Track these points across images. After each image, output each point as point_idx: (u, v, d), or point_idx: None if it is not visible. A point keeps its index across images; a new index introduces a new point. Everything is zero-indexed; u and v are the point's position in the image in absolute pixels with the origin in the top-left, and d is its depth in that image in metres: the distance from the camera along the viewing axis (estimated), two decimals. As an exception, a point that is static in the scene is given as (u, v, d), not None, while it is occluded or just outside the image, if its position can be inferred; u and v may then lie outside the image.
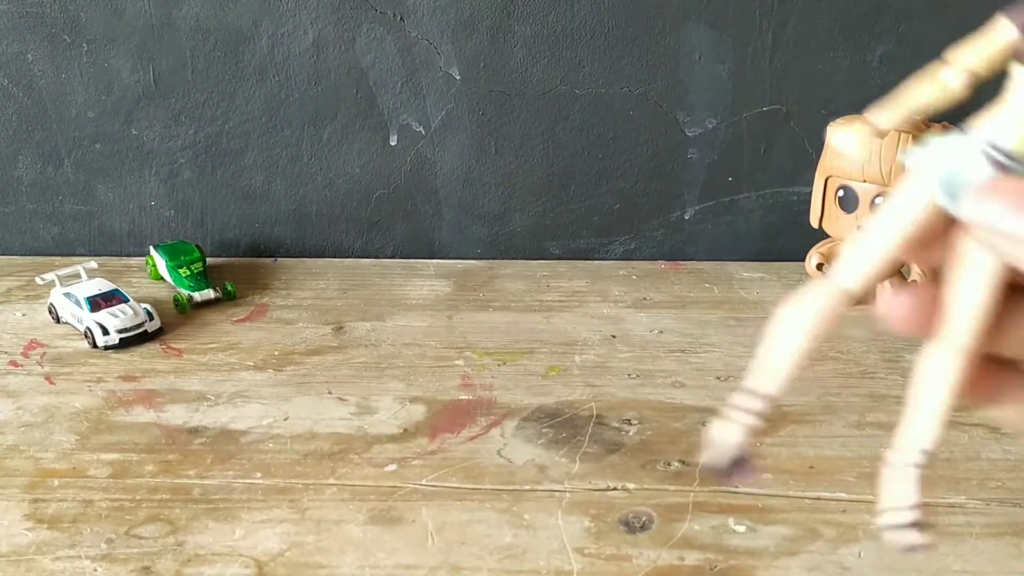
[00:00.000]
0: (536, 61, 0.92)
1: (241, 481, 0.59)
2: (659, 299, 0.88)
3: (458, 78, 0.93)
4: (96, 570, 0.51)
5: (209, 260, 0.91)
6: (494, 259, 0.99)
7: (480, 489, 0.58)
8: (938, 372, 0.23)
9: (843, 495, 0.57)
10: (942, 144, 0.21)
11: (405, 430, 0.64)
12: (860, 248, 0.23)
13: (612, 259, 1.00)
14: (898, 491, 0.24)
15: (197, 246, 0.90)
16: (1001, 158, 0.20)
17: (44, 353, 0.76)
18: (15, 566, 0.51)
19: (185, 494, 0.57)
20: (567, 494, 0.57)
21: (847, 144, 0.22)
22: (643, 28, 0.91)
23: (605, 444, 0.62)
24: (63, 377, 0.72)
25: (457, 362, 0.74)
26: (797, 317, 0.23)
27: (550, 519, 0.54)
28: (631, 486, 0.57)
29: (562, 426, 0.65)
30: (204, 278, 0.86)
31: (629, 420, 0.65)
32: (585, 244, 0.99)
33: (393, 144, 0.96)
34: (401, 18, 0.91)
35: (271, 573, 0.50)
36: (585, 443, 0.62)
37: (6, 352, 0.76)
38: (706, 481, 0.57)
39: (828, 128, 0.22)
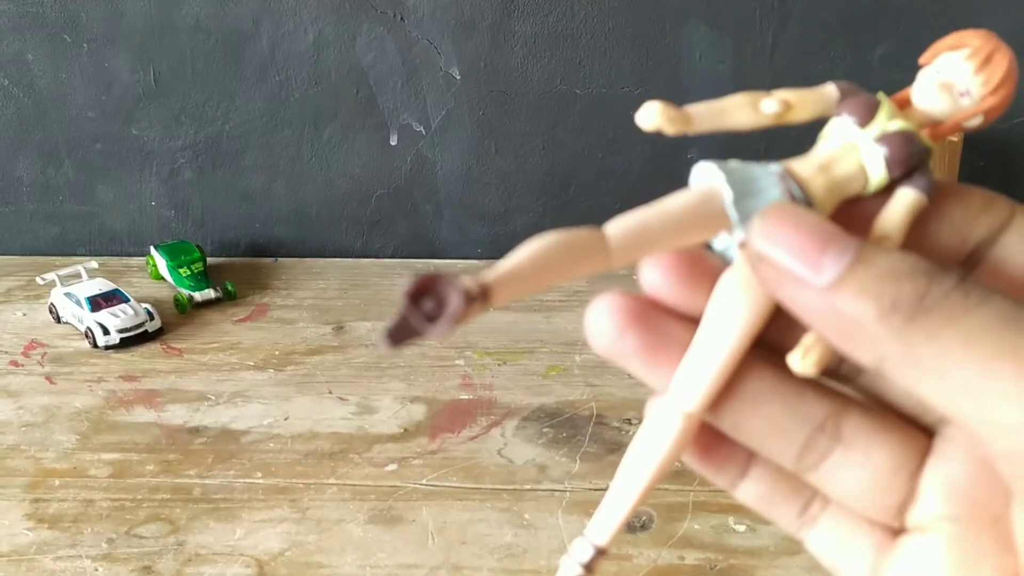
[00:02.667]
0: (536, 61, 0.92)
1: (242, 481, 0.59)
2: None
3: (458, 78, 0.93)
4: (97, 570, 0.51)
5: (209, 260, 0.91)
6: (494, 259, 0.98)
7: (480, 489, 0.58)
8: (653, 438, 0.21)
9: (843, 495, 0.57)
10: (741, 166, 0.21)
11: (405, 430, 0.64)
12: (638, 215, 0.20)
13: (612, 259, 1.00)
14: None
15: (197, 246, 0.90)
16: (795, 190, 0.20)
17: (45, 353, 0.76)
18: (16, 566, 0.51)
19: (186, 494, 0.57)
20: (567, 494, 0.57)
21: (644, 115, 0.21)
22: (643, 28, 0.91)
23: (605, 444, 0.62)
24: (64, 377, 0.72)
25: (457, 362, 0.74)
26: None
27: (550, 519, 0.54)
28: (631, 486, 0.57)
29: (562, 426, 0.65)
30: (204, 278, 0.86)
31: (629, 420, 0.65)
32: (585, 244, 0.99)
33: (393, 144, 0.96)
34: (401, 18, 0.91)
35: (272, 573, 0.50)
36: (585, 443, 0.63)
37: (7, 352, 0.76)
38: (706, 480, 0.57)
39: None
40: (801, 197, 0.20)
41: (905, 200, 0.20)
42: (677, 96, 0.95)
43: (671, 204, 0.20)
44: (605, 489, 0.21)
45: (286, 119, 0.95)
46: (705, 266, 0.21)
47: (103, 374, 0.72)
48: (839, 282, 0.18)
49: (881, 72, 0.90)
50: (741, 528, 0.53)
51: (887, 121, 0.21)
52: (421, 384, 0.71)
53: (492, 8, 0.90)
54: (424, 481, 0.58)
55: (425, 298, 0.17)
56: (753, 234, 0.19)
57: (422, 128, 0.95)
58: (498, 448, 0.62)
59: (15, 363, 0.74)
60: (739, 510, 0.55)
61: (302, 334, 0.80)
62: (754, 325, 0.20)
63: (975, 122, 0.21)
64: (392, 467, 0.60)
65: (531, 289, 0.19)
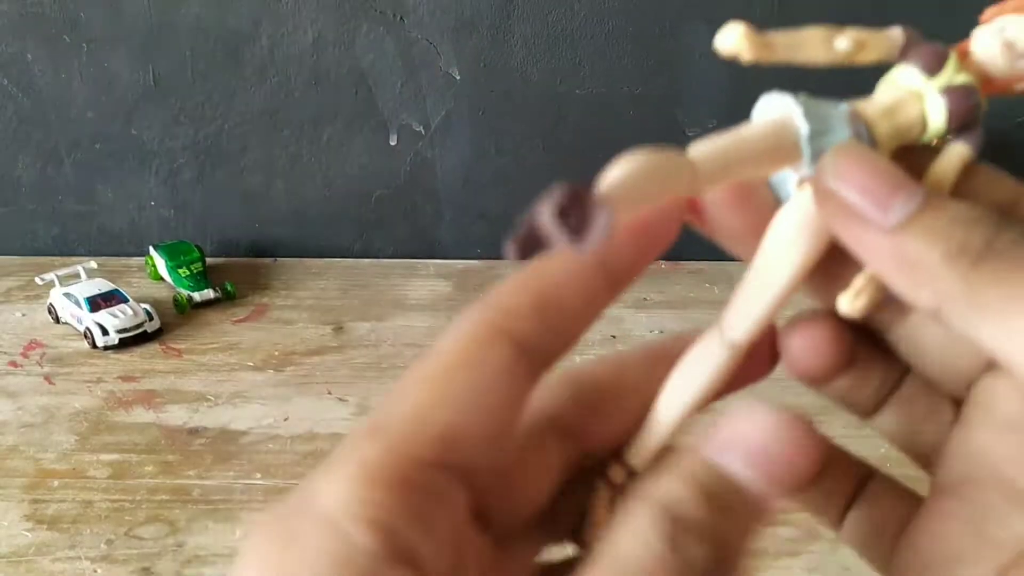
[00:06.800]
0: (536, 61, 0.92)
1: (241, 482, 0.59)
2: (659, 299, 0.88)
3: (458, 78, 0.93)
4: (96, 571, 0.51)
5: (209, 260, 0.91)
6: (494, 259, 0.99)
7: (480, 489, 0.58)
8: (696, 366, 0.21)
9: (844, 495, 0.56)
10: (814, 102, 0.21)
11: (405, 430, 0.64)
12: (720, 142, 0.20)
13: (612, 259, 1.00)
14: None
15: (197, 246, 0.90)
16: (863, 132, 0.21)
17: (44, 353, 0.76)
18: (15, 567, 0.51)
19: (185, 495, 0.57)
20: (567, 494, 0.57)
21: (725, 37, 0.20)
22: (643, 28, 0.91)
23: (605, 444, 0.62)
24: (63, 377, 0.72)
25: (457, 362, 0.74)
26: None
27: (550, 520, 0.54)
28: (631, 486, 0.57)
29: (562, 426, 0.65)
30: (204, 278, 0.86)
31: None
32: (585, 244, 0.99)
33: (393, 144, 0.95)
34: (401, 18, 0.91)
35: (271, 574, 0.50)
36: (585, 443, 0.62)
37: (6, 352, 0.76)
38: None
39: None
40: (867, 139, 0.20)
41: (958, 154, 0.21)
42: (677, 96, 0.96)
43: (748, 134, 0.20)
44: (605, 491, 0.21)
45: (286, 119, 0.95)
46: (758, 199, 0.21)
47: (102, 374, 0.72)
48: (907, 224, 0.19)
49: (881, 72, 0.90)
50: (741, 529, 0.53)
51: (954, 73, 0.21)
52: (421, 385, 0.71)
53: (492, 8, 0.90)
54: (424, 482, 0.58)
55: (569, 214, 0.16)
56: (824, 171, 0.20)
57: (422, 128, 0.95)
58: (498, 449, 0.62)
59: (14, 363, 0.74)
60: (739, 511, 0.55)
61: (302, 334, 0.79)
62: (808, 264, 0.20)
63: None
64: (392, 468, 0.60)
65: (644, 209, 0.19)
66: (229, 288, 0.86)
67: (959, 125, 0.21)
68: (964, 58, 0.22)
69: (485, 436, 0.18)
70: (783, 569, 0.50)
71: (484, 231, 0.99)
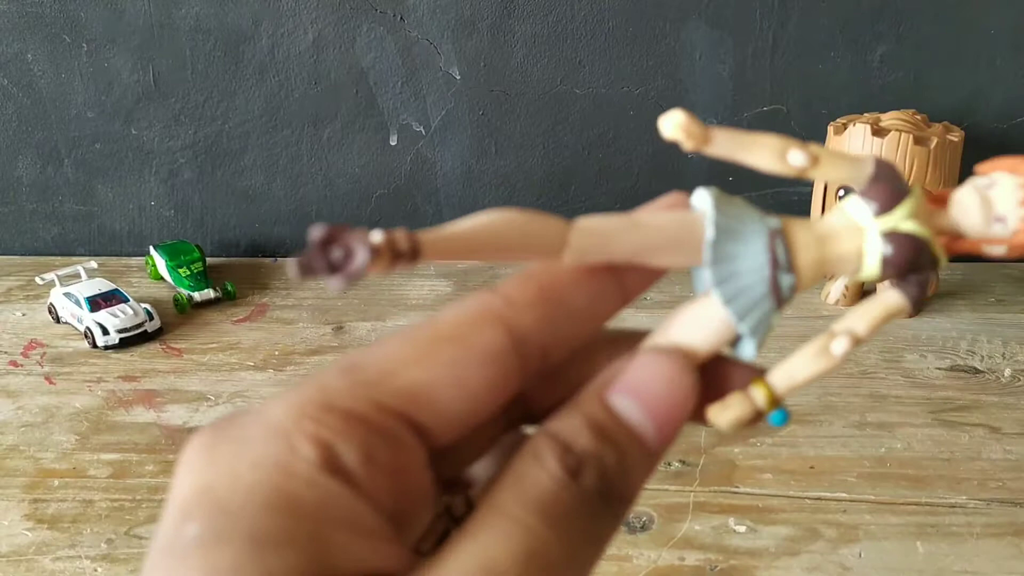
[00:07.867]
0: (536, 61, 0.92)
1: (241, 481, 0.59)
2: (659, 299, 0.88)
3: (458, 78, 0.93)
4: (96, 570, 0.51)
5: (209, 260, 0.91)
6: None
7: (480, 489, 0.58)
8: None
9: (843, 495, 0.57)
10: (739, 208, 0.20)
11: (405, 430, 0.64)
12: (610, 220, 0.20)
13: (612, 259, 1.00)
14: None
15: (197, 246, 0.90)
16: (781, 253, 0.20)
17: (44, 353, 0.76)
18: (15, 566, 0.51)
19: (185, 494, 0.57)
20: (567, 494, 0.57)
21: (667, 123, 0.20)
22: (643, 28, 0.91)
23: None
24: (63, 377, 0.72)
25: (457, 362, 0.74)
26: (507, 217, 0.19)
27: (550, 519, 0.54)
28: (631, 486, 0.57)
29: (562, 426, 0.65)
30: (204, 278, 0.86)
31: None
32: (585, 244, 0.99)
33: (393, 144, 0.96)
34: (401, 18, 0.91)
35: (271, 573, 0.50)
36: (585, 443, 0.62)
37: (6, 352, 0.76)
38: (707, 481, 0.57)
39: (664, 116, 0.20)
40: (784, 262, 0.20)
41: (889, 302, 0.20)
42: (677, 96, 0.95)
43: (650, 223, 0.20)
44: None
45: (286, 119, 0.95)
46: None
47: (102, 374, 0.72)
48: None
49: (881, 72, 0.90)
50: (741, 529, 0.53)
51: (902, 219, 0.20)
52: (421, 384, 0.71)
53: (492, 8, 0.90)
54: (424, 481, 0.58)
55: (335, 246, 0.17)
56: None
57: (422, 128, 0.95)
58: (498, 448, 0.62)
59: (14, 363, 0.74)
60: (739, 511, 0.55)
61: (302, 334, 0.79)
62: (709, 350, 0.21)
63: (998, 251, 0.20)
64: (392, 467, 0.60)
65: (468, 257, 0.19)
66: (229, 288, 0.86)
67: (896, 273, 0.20)
68: (942, 203, 0.21)
69: (452, 406, 0.18)
70: (783, 569, 0.50)
71: (484, 231, 0.99)
